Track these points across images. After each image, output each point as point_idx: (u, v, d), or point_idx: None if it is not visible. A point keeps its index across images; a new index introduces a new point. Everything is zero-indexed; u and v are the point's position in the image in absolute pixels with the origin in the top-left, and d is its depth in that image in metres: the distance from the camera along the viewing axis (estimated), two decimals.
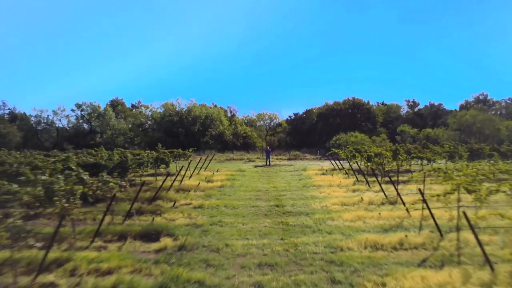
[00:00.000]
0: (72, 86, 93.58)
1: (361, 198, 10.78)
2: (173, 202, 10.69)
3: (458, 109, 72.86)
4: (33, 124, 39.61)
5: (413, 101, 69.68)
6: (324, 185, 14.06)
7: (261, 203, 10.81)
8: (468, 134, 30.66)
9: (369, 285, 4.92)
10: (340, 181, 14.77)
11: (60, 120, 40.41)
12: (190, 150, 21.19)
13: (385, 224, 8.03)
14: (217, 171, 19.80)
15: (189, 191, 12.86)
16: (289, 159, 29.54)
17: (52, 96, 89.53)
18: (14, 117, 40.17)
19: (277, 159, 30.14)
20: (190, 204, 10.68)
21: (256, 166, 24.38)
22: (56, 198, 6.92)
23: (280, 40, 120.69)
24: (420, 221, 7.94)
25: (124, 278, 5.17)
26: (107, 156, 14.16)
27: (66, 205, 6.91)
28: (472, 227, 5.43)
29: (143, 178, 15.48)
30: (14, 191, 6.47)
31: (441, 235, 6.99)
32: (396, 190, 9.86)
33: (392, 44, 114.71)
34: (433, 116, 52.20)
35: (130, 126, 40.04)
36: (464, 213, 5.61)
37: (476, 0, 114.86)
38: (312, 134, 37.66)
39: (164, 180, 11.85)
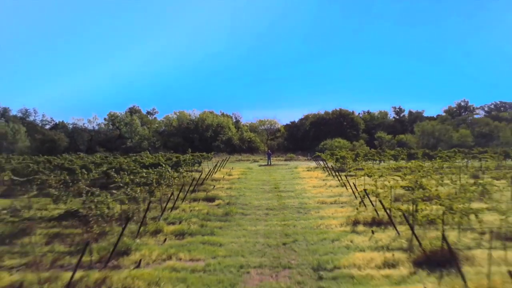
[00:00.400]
0: (69, 86, 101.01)
1: (325, 183, 17.70)
2: (213, 186, 17.60)
3: (443, 114, 79.81)
4: (71, 131, 46.59)
5: (399, 108, 76.69)
6: (306, 177, 20.98)
7: (265, 187, 17.71)
8: (429, 140, 37.63)
9: (313, 213, 11.82)
10: (318, 175, 21.67)
11: (93, 127, 47.36)
12: (212, 153, 28.14)
13: (332, 194, 14.93)
14: (232, 169, 26.68)
15: (219, 180, 19.77)
16: (285, 160, 36.38)
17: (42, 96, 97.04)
18: (55, 125, 47.10)
19: (276, 160, 36.93)
20: (222, 187, 17.56)
21: (260, 165, 31.24)
22: (162, 182, 13.90)
23: (278, 45, 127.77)
24: (351, 193, 14.84)
25: (208, 211, 12.08)
26: (166, 158, 21.12)
27: (166, 186, 13.91)
28: (367, 193, 12.34)
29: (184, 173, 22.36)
30: (144, 176, 13.47)
31: (355, 197, 13.88)
32: (346, 178, 16.78)
33: (393, 45, 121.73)
34: (412, 122, 59.07)
35: (152, 132, 47.01)
36: (365, 190, 12.52)
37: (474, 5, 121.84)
38: (306, 139, 44.64)
39: (201, 174, 18.77)
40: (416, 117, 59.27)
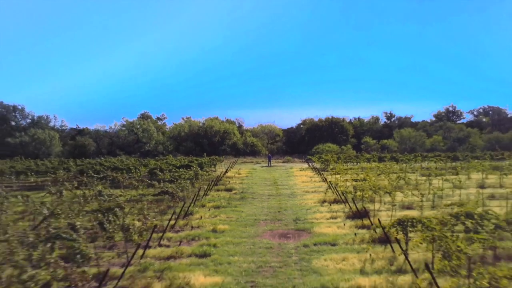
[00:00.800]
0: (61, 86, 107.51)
1: (311, 179, 24.00)
2: (228, 181, 23.89)
3: (433, 119, 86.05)
4: (95, 136, 52.92)
5: (390, 113, 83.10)
6: (298, 175, 27.27)
7: (267, 182, 23.99)
8: (407, 144, 43.95)
9: (298, 197, 18.09)
10: (307, 173, 27.95)
11: (115, 133, 53.61)
12: (223, 157, 34.44)
13: (314, 186, 21.19)
14: (239, 169, 32.94)
15: (232, 177, 26.06)
16: (283, 162, 42.58)
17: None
18: (80, 131, 53.50)
19: (275, 162, 43.11)
20: (235, 182, 23.81)
21: (262, 166, 37.51)
22: (199, 177, 20.27)
23: (278, 44, 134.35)
24: (327, 186, 21.11)
25: (229, 196, 18.36)
26: (187, 161, 27.43)
27: (199, 182, 20.29)
28: (331, 185, 18.64)
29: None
30: (184, 173, 19.86)
31: (329, 187, 20.15)
32: (323, 176, 23.05)
33: (394, 45, 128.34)
34: (399, 127, 65.36)
35: (166, 137, 53.35)
36: (330, 182, 18.82)
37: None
38: (301, 143, 50.86)
39: (221, 173, 25.03)
40: (403, 122, 65.45)
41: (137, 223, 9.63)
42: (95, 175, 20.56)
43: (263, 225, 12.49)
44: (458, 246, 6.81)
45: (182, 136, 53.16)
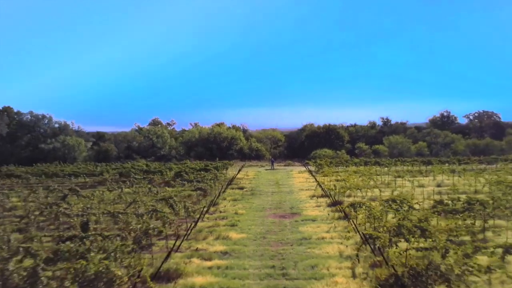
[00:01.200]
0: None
1: (307, 180, 29.87)
2: (239, 182, 29.78)
3: (429, 123, 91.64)
4: (114, 141, 59.02)
5: (386, 119, 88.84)
6: (296, 177, 33.11)
7: (270, 182, 29.85)
8: (395, 150, 49.68)
9: (295, 193, 23.96)
10: (304, 175, 33.78)
11: (131, 138, 59.68)
12: (232, 161, 40.36)
13: (308, 186, 27.03)
14: (247, 172, 38.82)
15: (241, 179, 31.93)
16: (285, 165, 48.38)
17: None
18: (101, 136, 59.73)
19: (277, 165, 48.85)
20: (245, 182, 29.68)
21: (266, 169, 43.33)
22: (218, 178, 26.23)
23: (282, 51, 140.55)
24: (316, 184, 26.96)
25: (242, 193, 24.27)
26: (204, 165, 33.37)
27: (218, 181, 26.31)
28: (319, 184, 24.53)
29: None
30: (206, 175, 25.88)
31: (316, 180, 26.00)
32: (315, 177, 28.93)
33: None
34: (393, 133, 70.96)
35: (178, 142, 59.40)
36: (318, 182, 24.74)
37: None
38: (302, 149, 56.65)
39: (234, 175, 30.94)
40: (397, 128, 71.08)
41: (191, 206, 15.53)
42: (138, 177, 26.56)
43: (269, 211, 18.41)
44: (376, 214, 12.74)
45: (193, 141, 59.18)
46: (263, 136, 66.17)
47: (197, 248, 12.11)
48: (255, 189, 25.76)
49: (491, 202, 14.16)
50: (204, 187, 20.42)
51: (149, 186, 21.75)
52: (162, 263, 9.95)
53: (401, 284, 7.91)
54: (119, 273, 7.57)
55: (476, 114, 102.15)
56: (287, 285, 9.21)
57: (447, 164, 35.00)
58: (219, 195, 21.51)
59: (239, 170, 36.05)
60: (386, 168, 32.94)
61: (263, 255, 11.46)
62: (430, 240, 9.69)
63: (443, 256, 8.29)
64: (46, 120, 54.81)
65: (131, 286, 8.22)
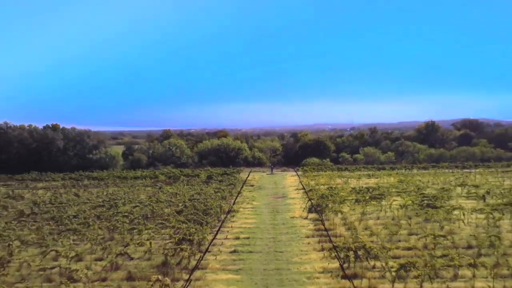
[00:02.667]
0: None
1: (295, 180, 48.12)
2: (250, 182, 47.95)
3: (415, 132, 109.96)
4: (142, 151, 76.95)
5: (374, 128, 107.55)
6: (289, 179, 51.29)
7: (270, 182, 48.05)
8: (369, 158, 67.86)
9: (286, 188, 42.17)
10: (295, 178, 51.98)
11: (154, 147, 77.52)
12: (242, 168, 58.51)
13: (296, 184, 45.25)
14: (253, 176, 56.87)
15: (250, 180, 50.12)
16: (281, 171, 66.35)
17: None
18: (130, 146, 77.82)
19: (276, 171, 66.74)
20: (253, 182, 47.85)
21: (267, 174, 61.34)
22: (236, 180, 44.62)
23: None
24: (300, 184, 45.17)
25: (252, 188, 42.47)
26: (222, 171, 51.54)
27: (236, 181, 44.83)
28: (302, 184, 42.79)
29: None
30: (229, 178, 44.33)
31: (300, 180, 44.21)
32: (300, 179, 47.21)
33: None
34: (376, 143, 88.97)
35: (194, 152, 77.41)
36: (301, 182, 43.08)
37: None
38: (296, 157, 74.50)
39: (247, 177, 49.17)
40: (378, 139, 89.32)
41: (227, 192, 33.68)
42: (185, 178, 44.66)
43: (270, 195, 36.68)
44: (320, 193, 31.14)
45: (206, 151, 77.26)
46: (264, 146, 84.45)
47: (238, 209, 30.43)
48: (261, 186, 43.97)
49: (390, 189, 32.57)
50: (234, 184, 38.62)
51: (198, 183, 39.94)
52: (231, 206, 28.23)
53: (314, 209, 26.26)
54: (224, 205, 25.86)
55: (465, 123, 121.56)
56: (278, 211, 27.57)
57: (394, 170, 53.12)
58: (241, 188, 39.75)
59: (249, 174, 54.23)
60: (350, 172, 51.23)
61: (267, 207, 29.79)
62: (337, 197, 28.04)
63: (331, 195, 26.67)
64: (88, 134, 72.76)
65: (225, 213, 26.47)
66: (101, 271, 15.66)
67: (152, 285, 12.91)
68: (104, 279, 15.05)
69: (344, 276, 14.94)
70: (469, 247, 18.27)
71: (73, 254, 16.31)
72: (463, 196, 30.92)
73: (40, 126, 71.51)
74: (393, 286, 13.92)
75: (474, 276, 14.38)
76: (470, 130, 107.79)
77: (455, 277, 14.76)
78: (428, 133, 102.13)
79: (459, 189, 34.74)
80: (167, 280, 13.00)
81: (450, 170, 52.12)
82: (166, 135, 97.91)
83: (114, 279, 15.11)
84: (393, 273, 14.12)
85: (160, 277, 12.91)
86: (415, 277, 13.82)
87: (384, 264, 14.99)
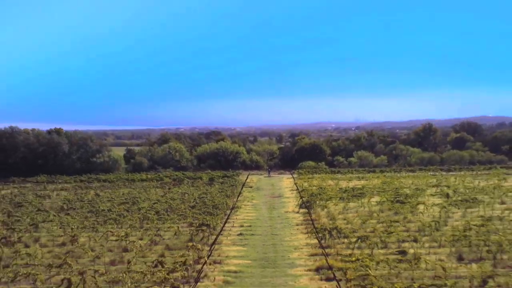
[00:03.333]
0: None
1: (291, 182, 55.70)
2: (248, 183, 55.44)
3: (412, 135, 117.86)
4: (143, 155, 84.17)
5: (371, 132, 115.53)
6: (285, 181, 58.84)
7: (268, 183, 55.59)
8: (363, 161, 75.80)
9: (282, 189, 49.70)
10: (290, 180, 59.52)
11: (154, 151, 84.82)
12: (240, 171, 65.99)
13: (291, 185, 52.80)
14: (252, 178, 64.30)
15: (249, 182, 57.61)
16: (278, 174, 73.79)
17: None
18: (130, 151, 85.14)
19: (273, 173, 74.15)
20: (252, 184, 55.35)
21: (264, 176, 68.76)
22: (236, 181, 52.23)
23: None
24: (295, 185, 52.73)
25: (250, 189, 49.96)
26: (222, 174, 59.01)
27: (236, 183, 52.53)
28: (296, 184, 50.39)
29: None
30: (230, 180, 51.96)
31: (295, 182, 51.77)
32: (295, 180, 54.80)
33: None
34: (372, 146, 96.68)
35: (193, 155, 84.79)
36: (296, 184, 50.68)
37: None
38: (292, 160, 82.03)
39: (245, 179, 56.66)
40: (374, 142, 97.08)
41: (230, 192, 41.13)
42: (189, 180, 52.08)
43: (267, 195, 44.23)
44: (310, 191, 38.77)
45: (205, 155, 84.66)
46: (261, 149, 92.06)
47: (240, 206, 37.94)
48: (259, 187, 51.47)
49: (372, 189, 40.22)
50: (235, 185, 46.09)
51: (202, 185, 47.36)
52: (235, 203, 35.72)
53: (305, 205, 33.83)
54: (228, 202, 33.35)
55: (464, 125, 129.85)
56: (274, 207, 35.14)
57: (383, 173, 60.75)
58: (241, 189, 47.25)
59: (247, 177, 61.74)
60: (342, 175, 58.86)
61: (265, 204, 37.33)
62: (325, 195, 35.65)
63: (320, 193, 34.30)
64: (91, 139, 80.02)
65: (230, 208, 33.99)
66: (145, 245, 23.10)
67: (188, 250, 20.38)
68: (150, 249, 22.50)
69: (320, 247, 22.47)
70: (418, 230, 25.86)
71: (122, 233, 23.69)
72: (432, 195, 38.55)
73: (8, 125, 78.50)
74: (352, 251, 21.47)
75: (412, 247, 21.97)
76: (468, 133, 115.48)
77: (399, 246, 22.35)
78: (426, 136, 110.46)
79: (432, 189, 42.42)
80: (198, 245, 20.48)
81: (435, 173, 59.91)
82: (164, 138, 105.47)
83: (157, 249, 22.56)
84: (353, 243, 21.72)
85: (194, 243, 20.38)
86: (368, 245, 21.39)
87: (349, 240, 22.58)
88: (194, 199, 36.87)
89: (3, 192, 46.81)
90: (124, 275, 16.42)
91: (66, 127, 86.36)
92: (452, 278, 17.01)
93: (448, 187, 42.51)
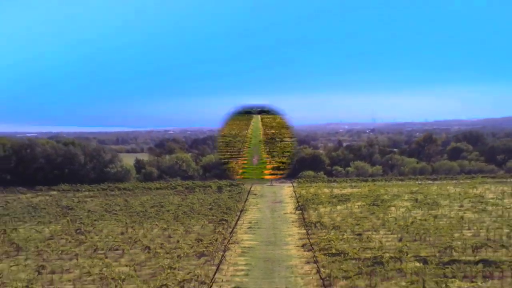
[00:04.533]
0: None
1: (291, 189, 68.09)
2: (253, 191, 67.79)
3: (414, 145, 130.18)
4: (152, 164, 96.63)
5: (371, 141, 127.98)
6: (285, 189, 71.18)
7: (270, 191, 67.96)
8: (360, 170, 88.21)
9: (283, 196, 62.05)
10: (290, 188, 71.83)
11: (162, 161, 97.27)
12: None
13: (291, 193, 65.12)
14: (255, 187, 76.52)
15: (254, 189, 69.98)
16: (280, 183, 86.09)
17: None
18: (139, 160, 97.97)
19: (275, 183, 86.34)
20: (257, 191, 67.66)
21: (267, 185, 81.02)
22: (243, 188, 64.86)
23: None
24: (294, 193, 65.06)
25: (255, 195, 62.42)
26: (230, 182, 71.49)
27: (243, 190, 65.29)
28: (295, 192, 62.80)
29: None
30: (237, 188, 64.58)
31: (294, 190, 64.10)
32: (294, 188, 67.21)
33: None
34: (370, 156, 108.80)
35: (199, 165, 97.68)
36: (295, 191, 63.15)
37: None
38: (294, 170, 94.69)
39: (250, 188, 69.14)
40: (372, 151, 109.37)
41: (238, 198, 53.48)
42: (200, 188, 64.50)
43: (269, 201, 56.63)
44: (306, 197, 51.24)
45: (210, 165, 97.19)
46: None
47: (247, 209, 50.39)
48: (262, 194, 63.79)
49: (358, 195, 52.70)
50: (243, 192, 58.50)
51: (212, 192, 59.80)
52: (243, 207, 48.16)
53: (300, 208, 46.25)
54: (238, 206, 45.86)
55: (466, 135, 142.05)
56: (275, 210, 47.64)
57: (374, 182, 72.91)
58: (247, 196, 59.65)
59: (251, 185, 74.14)
60: (337, 184, 71.20)
61: (268, 208, 49.77)
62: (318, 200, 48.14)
63: (316, 196, 46.79)
64: (104, 150, 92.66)
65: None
66: (181, 233, 35.51)
67: (215, 233, 32.82)
68: (187, 236, 34.98)
69: (306, 234, 34.84)
70: (381, 224, 38.16)
71: (165, 226, 36.06)
72: (405, 200, 50.86)
73: None
74: (328, 236, 33.88)
75: (372, 233, 34.32)
76: (470, 142, 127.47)
77: (361, 233, 34.73)
78: (426, 145, 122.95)
79: (409, 195, 54.71)
80: (223, 231, 32.90)
81: (421, 182, 72.26)
82: (169, 148, 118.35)
83: (191, 236, 34.99)
84: (329, 231, 34.20)
85: (219, 230, 32.81)
86: (339, 232, 33.80)
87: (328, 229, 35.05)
88: (210, 203, 49.25)
89: (37, 199, 59.21)
90: (178, 244, 28.85)
91: (34, 130, 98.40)
92: (390, 251, 29.35)
93: (422, 193, 54.82)
